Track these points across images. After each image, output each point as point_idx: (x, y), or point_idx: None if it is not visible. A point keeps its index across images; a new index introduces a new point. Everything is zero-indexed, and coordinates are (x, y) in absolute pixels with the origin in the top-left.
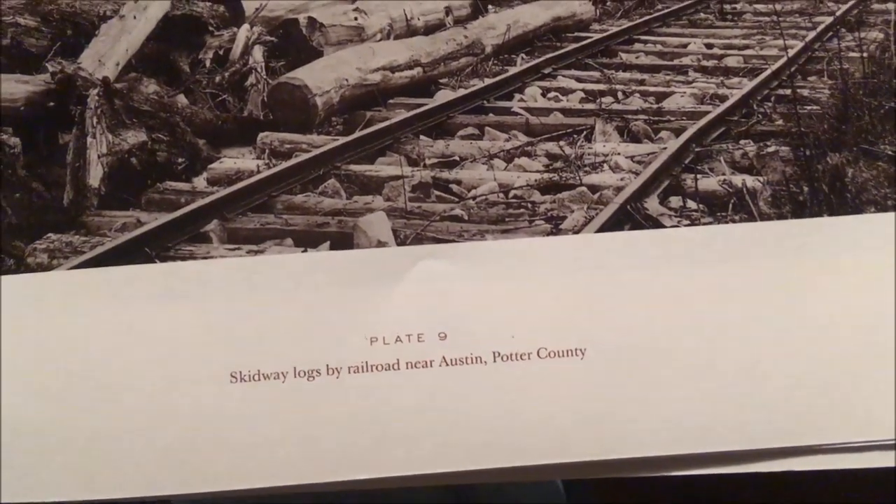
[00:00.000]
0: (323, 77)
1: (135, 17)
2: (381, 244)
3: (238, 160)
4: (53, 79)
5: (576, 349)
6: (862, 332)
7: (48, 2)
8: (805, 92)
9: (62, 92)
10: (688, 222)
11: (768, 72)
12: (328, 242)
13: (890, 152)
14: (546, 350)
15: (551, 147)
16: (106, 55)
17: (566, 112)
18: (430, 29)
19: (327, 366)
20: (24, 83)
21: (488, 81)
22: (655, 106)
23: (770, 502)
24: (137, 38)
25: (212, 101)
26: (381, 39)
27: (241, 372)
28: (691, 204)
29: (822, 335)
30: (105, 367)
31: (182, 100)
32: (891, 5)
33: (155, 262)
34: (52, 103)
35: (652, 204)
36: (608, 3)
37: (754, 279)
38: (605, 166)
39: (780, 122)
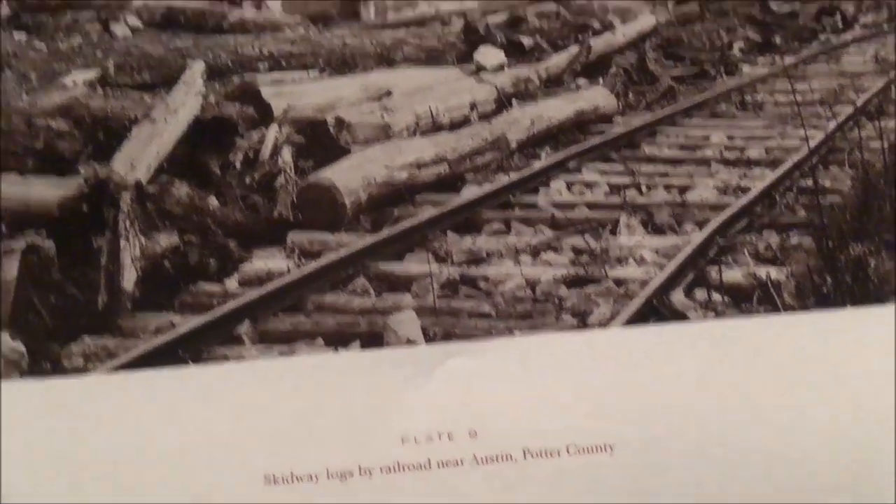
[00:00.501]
0: (351, 176)
1: (165, 121)
2: (410, 342)
3: (269, 260)
4: (86, 182)
5: (604, 445)
6: (889, 421)
7: (80, 105)
8: (827, 183)
9: (95, 195)
10: (713, 315)
11: (790, 163)
12: (358, 341)
13: None
14: (575, 446)
15: (577, 241)
16: (138, 158)
17: (591, 206)
18: (456, 124)
19: (359, 466)
20: (57, 187)
21: (514, 176)
22: (679, 198)
23: None
24: (168, 141)
25: (242, 202)
26: (407, 136)
27: (274, 474)
28: (716, 297)
29: (849, 426)
30: (140, 469)
31: (213, 201)
32: None
33: (189, 365)
34: (85, 206)
35: (677, 297)
36: (630, 96)
37: (781, 372)
38: (631, 260)
39: (803, 213)
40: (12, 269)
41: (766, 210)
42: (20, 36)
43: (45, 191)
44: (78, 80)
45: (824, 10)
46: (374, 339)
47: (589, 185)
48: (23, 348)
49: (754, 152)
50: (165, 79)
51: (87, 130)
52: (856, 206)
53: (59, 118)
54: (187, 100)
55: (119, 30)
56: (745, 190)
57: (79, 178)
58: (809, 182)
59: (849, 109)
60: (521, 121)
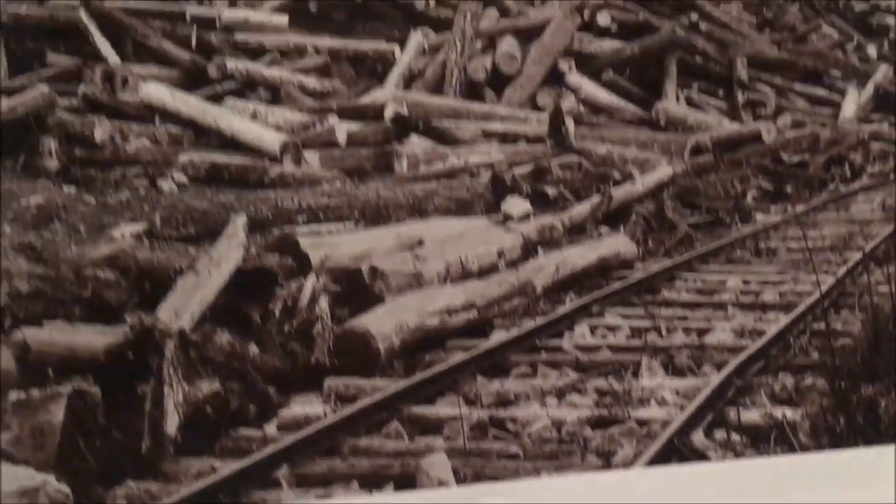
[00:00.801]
0: (385, 323)
1: (209, 272)
2: (442, 483)
3: (306, 405)
4: (132, 330)
5: None
6: None
7: (127, 256)
8: (838, 325)
9: (140, 343)
10: (732, 455)
11: (803, 307)
12: (392, 483)
13: None
14: None
15: (600, 383)
16: (182, 307)
17: (614, 349)
18: (485, 271)
19: None
20: (103, 334)
21: (540, 321)
22: (698, 341)
23: None
24: (211, 291)
25: (281, 349)
26: (438, 284)
27: None
28: (735, 437)
29: None
30: None
31: (253, 349)
32: None
33: None
34: (130, 353)
35: (698, 437)
36: (650, 243)
37: None
38: (652, 400)
39: (816, 355)
40: (59, 413)
41: (781, 352)
42: (70, 189)
43: (92, 338)
44: (125, 232)
45: (833, 160)
46: (407, 480)
47: (611, 329)
48: (68, 490)
49: (769, 296)
50: (209, 232)
51: (134, 280)
52: (866, 348)
53: (106, 269)
54: (230, 252)
55: (166, 185)
56: (760, 333)
57: (124, 326)
58: (822, 325)
59: (858, 255)
60: (546, 267)
